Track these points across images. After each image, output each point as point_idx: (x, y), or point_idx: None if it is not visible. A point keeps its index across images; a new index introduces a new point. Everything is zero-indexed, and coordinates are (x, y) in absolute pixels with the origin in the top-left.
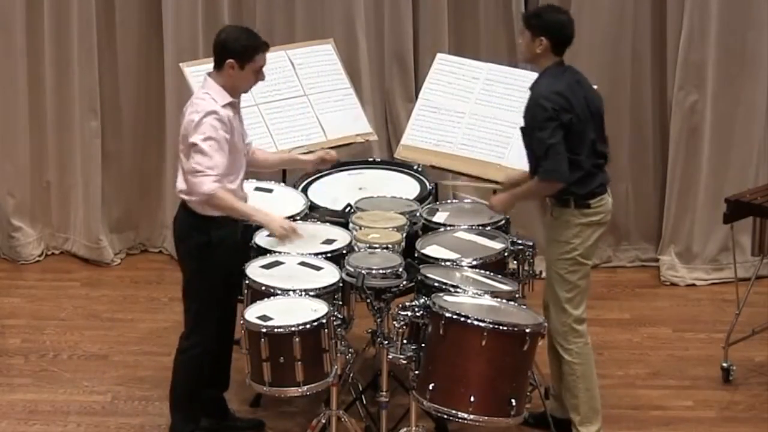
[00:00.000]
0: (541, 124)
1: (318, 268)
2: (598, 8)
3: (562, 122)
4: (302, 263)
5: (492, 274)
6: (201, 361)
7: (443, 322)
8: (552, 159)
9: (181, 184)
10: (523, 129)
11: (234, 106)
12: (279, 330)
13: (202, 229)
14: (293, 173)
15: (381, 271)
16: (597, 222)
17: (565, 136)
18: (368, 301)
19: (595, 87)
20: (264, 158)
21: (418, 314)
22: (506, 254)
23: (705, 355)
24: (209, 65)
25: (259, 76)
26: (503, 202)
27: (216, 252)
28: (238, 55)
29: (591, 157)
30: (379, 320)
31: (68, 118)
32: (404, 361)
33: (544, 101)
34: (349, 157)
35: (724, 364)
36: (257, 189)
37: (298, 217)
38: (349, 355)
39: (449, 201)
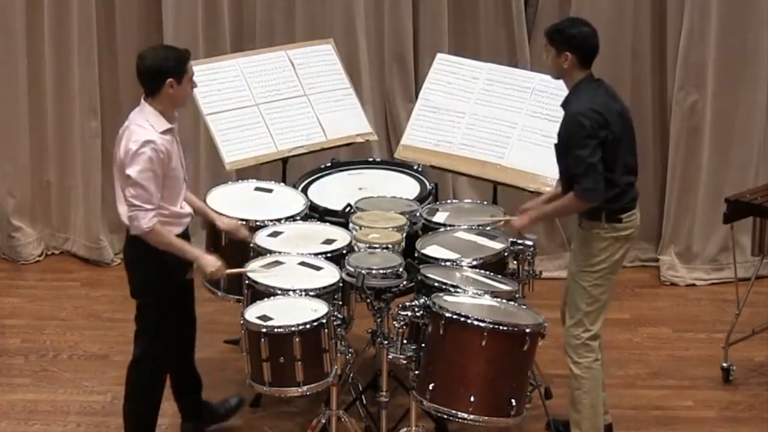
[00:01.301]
0: (580, 142)
1: (318, 268)
2: (598, 8)
3: (600, 140)
4: (302, 263)
5: (492, 274)
6: (158, 379)
7: (443, 322)
8: (591, 178)
9: (122, 213)
10: (557, 146)
11: (172, 132)
12: (279, 330)
13: (155, 254)
14: (293, 173)
15: (381, 271)
16: (625, 237)
17: (602, 154)
18: (368, 301)
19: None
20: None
21: (418, 314)
22: (506, 254)
23: (705, 355)
24: (209, 65)
25: (193, 84)
26: (530, 221)
27: (172, 273)
28: (174, 71)
29: (625, 174)
30: (379, 320)
31: (68, 118)
32: (404, 361)
33: (583, 118)
34: (349, 157)
35: (724, 364)
36: (257, 189)
37: (298, 217)
38: (349, 355)
39: (449, 201)
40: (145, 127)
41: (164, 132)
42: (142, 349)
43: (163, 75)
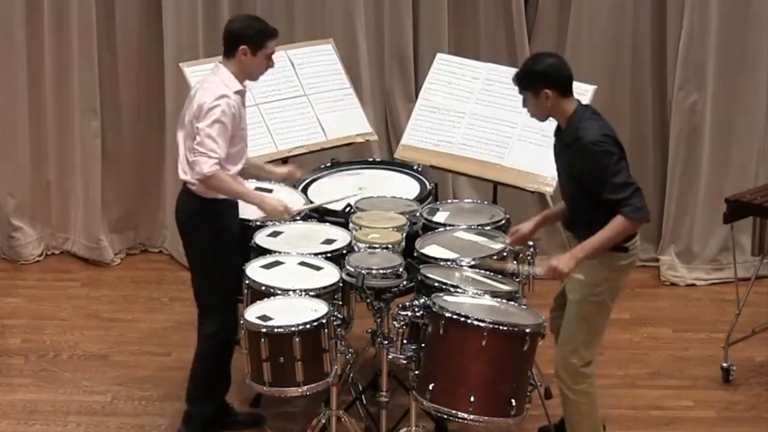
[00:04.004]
0: (614, 168)
1: (318, 268)
2: (598, 8)
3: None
4: (302, 263)
5: (492, 274)
6: (225, 345)
7: (443, 322)
8: (638, 197)
9: (183, 172)
10: (574, 180)
11: (243, 95)
12: (279, 330)
13: (210, 214)
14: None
15: (381, 271)
16: (630, 264)
17: None
18: (368, 301)
19: None
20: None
21: (418, 314)
22: (506, 254)
23: (705, 355)
24: (209, 65)
25: (269, 62)
26: (574, 261)
27: (230, 232)
28: (251, 40)
29: None
30: (379, 320)
31: (68, 118)
32: (404, 361)
33: (605, 145)
34: (349, 157)
35: (724, 364)
36: (257, 189)
37: (298, 217)
38: (349, 355)
39: (449, 201)
40: (217, 84)
41: (236, 92)
42: (213, 329)
43: (238, 40)
